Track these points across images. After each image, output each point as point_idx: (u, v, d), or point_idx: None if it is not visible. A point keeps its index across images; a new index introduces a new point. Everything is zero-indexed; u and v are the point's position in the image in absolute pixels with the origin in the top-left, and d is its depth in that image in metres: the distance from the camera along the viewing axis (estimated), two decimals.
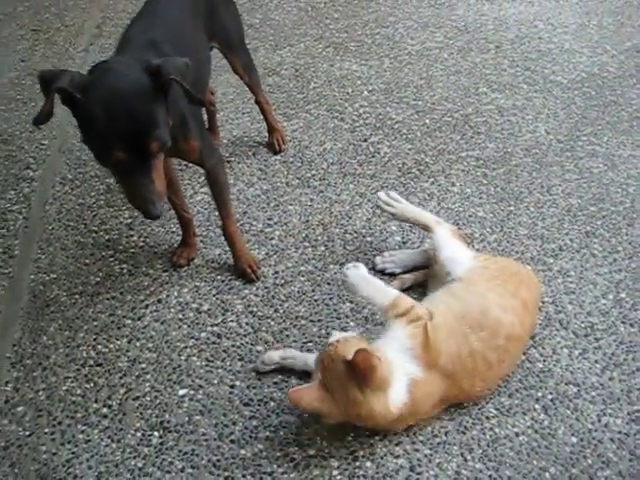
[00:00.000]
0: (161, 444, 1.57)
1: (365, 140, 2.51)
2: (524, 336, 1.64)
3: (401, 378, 1.45)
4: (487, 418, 1.58)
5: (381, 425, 1.49)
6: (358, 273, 1.61)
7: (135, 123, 1.38)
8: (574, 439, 1.54)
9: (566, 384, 1.65)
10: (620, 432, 1.55)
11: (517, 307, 1.61)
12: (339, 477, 1.48)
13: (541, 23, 3.24)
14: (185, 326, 1.85)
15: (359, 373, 1.39)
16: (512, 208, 2.18)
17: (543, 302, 1.84)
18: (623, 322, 1.80)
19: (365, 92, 2.77)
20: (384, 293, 1.60)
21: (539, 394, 1.63)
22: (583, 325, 1.79)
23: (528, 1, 3.44)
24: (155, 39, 1.64)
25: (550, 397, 1.62)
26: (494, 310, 1.57)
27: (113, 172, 1.52)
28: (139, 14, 1.83)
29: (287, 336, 1.80)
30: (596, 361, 1.70)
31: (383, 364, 1.42)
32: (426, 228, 1.88)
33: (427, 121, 2.59)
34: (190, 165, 2.34)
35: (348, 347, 1.42)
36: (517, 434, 1.55)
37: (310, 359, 1.62)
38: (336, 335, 1.50)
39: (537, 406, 1.61)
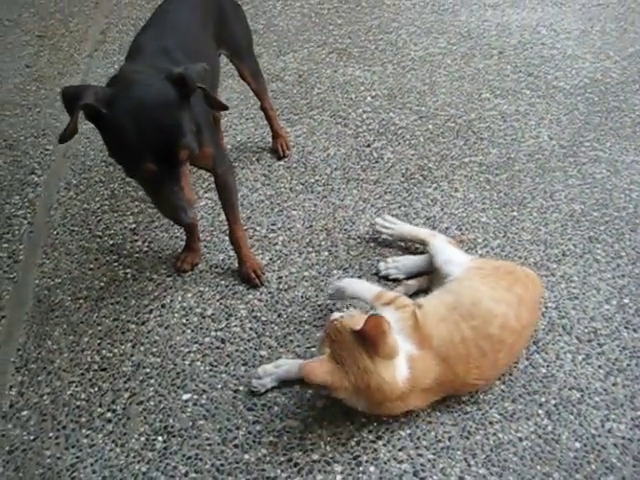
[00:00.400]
0: (165, 448, 1.58)
1: (368, 146, 2.51)
2: (521, 330, 1.63)
3: (401, 354, 1.48)
4: (491, 423, 1.58)
5: (386, 401, 1.49)
6: (344, 279, 1.80)
7: (164, 133, 1.39)
8: (578, 444, 1.54)
9: (569, 389, 1.65)
10: (624, 437, 1.55)
11: (511, 301, 1.62)
12: None
13: (544, 29, 3.24)
14: (189, 331, 1.86)
15: (370, 340, 1.43)
16: (515, 213, 2.18)
17: (546, 307, 1.84)
18: (626, 327, 1.80)
19: (368, 98, 2.78)
20: (369, 289, 1.71)
21: (542, 399, 1.63)
22: (586, 330, 1.79)
23: (531, 7, 3.45)
24: (166, 46, 1.65)
25: (554, 402, 1.63)
26: (486, 301, 1.59)
27: (142, 183, 1.53)
28: (149, 22, 1.84)
29: (291, 341, 1.80)
30: (599, 366, 1.71)
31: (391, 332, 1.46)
32: (423, 242, 1.93)
33: (430, 127, 2.60)
34: (195, 170, 2.35)
35: (353, 319, 1.47)
36: (521, 439, 1.55)
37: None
38: (336, 314, 1.55)
39: (541, 411, 1.61)
